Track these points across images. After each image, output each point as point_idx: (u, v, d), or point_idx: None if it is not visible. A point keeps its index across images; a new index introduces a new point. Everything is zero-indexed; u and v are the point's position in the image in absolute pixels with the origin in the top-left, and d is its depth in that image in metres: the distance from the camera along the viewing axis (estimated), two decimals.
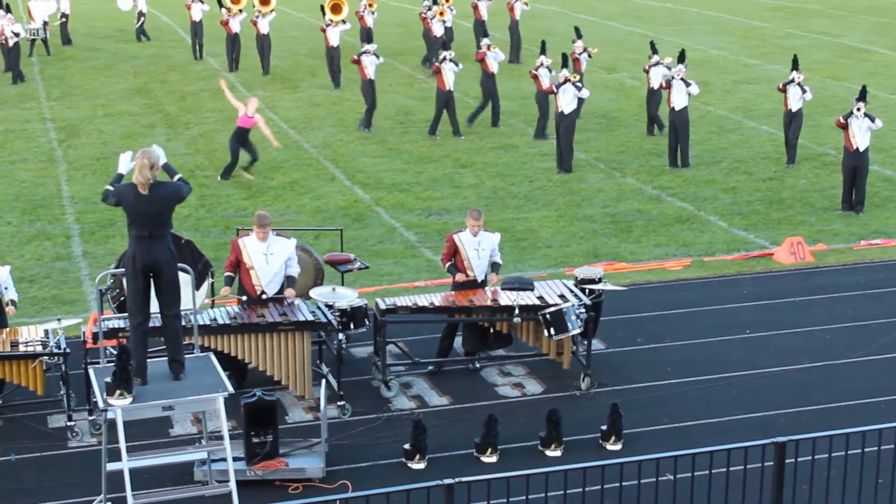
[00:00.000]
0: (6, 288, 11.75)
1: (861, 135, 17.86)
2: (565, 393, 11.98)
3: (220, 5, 31.35)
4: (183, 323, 9.72)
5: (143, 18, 36.43)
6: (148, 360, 9.42)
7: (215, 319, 11.41)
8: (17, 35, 29.93)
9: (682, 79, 20.61)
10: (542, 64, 22.53)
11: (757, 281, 15.49)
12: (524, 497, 7.99)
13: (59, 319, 11.52)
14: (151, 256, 9.18)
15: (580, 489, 8.17)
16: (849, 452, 8.45)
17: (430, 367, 12.54)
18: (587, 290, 12.42)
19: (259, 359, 11.41)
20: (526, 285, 12.16)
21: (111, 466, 9.17)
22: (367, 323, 12.13)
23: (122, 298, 11.68)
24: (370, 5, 31.75)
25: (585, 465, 8.12)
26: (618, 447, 10.71)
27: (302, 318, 11.47)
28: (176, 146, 22.43)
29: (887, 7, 43.13)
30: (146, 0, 37.08)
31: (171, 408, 9.26)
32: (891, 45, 34.89)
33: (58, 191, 19.81)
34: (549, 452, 10.62)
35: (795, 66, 20.81)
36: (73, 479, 10.25)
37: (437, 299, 12.21)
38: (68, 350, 11.03)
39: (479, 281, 12.51)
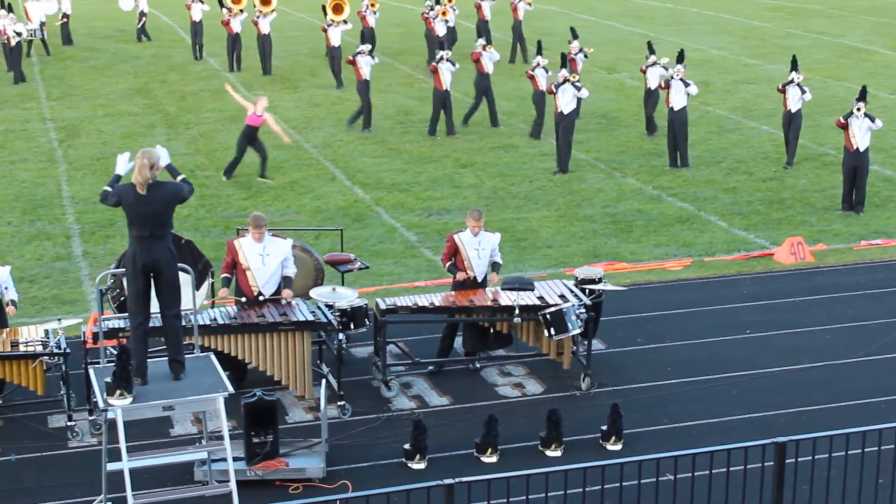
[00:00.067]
0: (6, 288, 11.75)
1: (861, 135, 17.86)
2: (565, 393, 11.98)
3: (221, 5, 31.36)
4: (183, 323, 9.73)
5: (144, 18, 36.43)
6: (148, 360, 9.42)
7: (215, 319, 11.41)
8: (18, 35, 29.95)
9: (681, 79, 20.61)
10: (538, 64, 22.56)
11: (757, 281, 15.49)
12: (524, 497, 7.99)
13: (59, 319, 11.52)
14: (151, 256, 9.18)
15: (580, 489, 8.17)
16: (849, 452, 8.45)
17: (431, 367, 12.54)
18: (587, 291, 12.42)
19: (259, 359, 11.41)
20: (526, 285, 12.16)
21: (111, 466, 9.17)
22: (368, 323, 12.13)
23: (122, 298, 11.68)
24: (372, 5, 31.75)
25: (586, 466, 8.12)
26: (618, 447, 10.71)
27: (302, 318, 11.47)
28: (176, 146, 22.43)
29: (887, 7, 43.14)
30: (147, 0, 37.08)
31: (171, 408, 9.27)
32: (891, 45, 34.89)
33: (58, 191, 19.81)
34: (549, 452, 10.62)
35: (795, 66, 20.82)
36: (73, 479, 10.25)
37: (437, 299, 12.21)
38: (68, 350, 11.03)
39: (480, 281, 12.51)
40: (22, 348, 11.02)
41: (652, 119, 23.14)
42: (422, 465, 10.40)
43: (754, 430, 10.94)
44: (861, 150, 17.93)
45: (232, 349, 11.34)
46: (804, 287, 15.17)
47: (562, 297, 12.15)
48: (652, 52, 22.93)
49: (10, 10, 31.24)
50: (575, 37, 24.82)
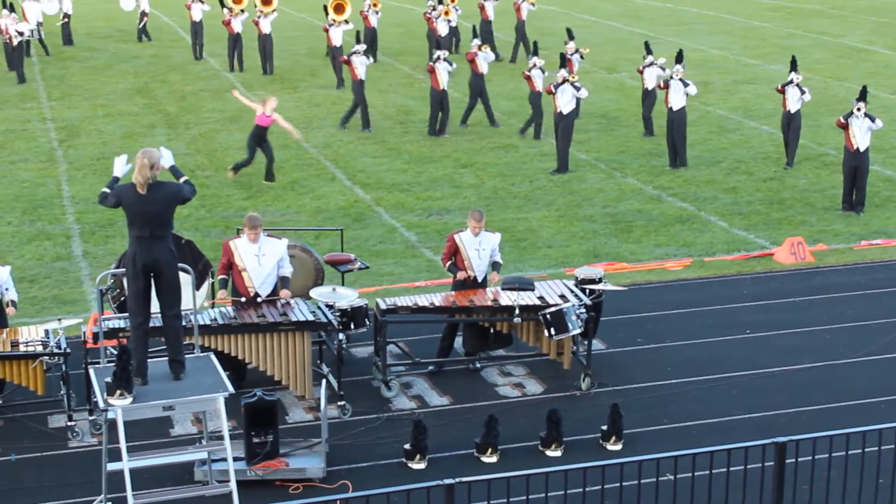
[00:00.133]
0: (7, 289, 11.74)
1: (861, 135, 17.87)
2: (566, 393, 11.98)
3: (222, 5, 31.36)
4: (183, 323, 9.73)
5: (145, 18, 36.43)
6: (148, 360, 9.42)
7: (215, 320, 11.41)
8: (21, 34, 29.96)
9: (680, 79, 20.61)
10: (534, 65, 22.57)
11: (757, 281, 15.49)
12: (524, 497, 7.99)
13: (59, 319, 11.52)
14: (152, 257, 9.18)
15: (580, 489, 8.17)
16: (849, 452, 8.45)
17: (431, 368, 12.54)
18: (587, 291, 12.42)
19: (259, 359, 11.41)
20: (526, 285, 12.16)
21: (111, 466, 9.17)
22: (368, 323, 12.13)
23: (122, 298, 11.68)
24: (374, 5, 31.73)
25: (586, 466, 8.12)
26: (618, 447, 10.71)
27: (302, 318, 11.47)
28: (176, 146, 22.41)
29: (887, 7, 43.14)
30: (148, 0, 37.10)
31: (171, 408, 9.27)
32: (891, 45, 34.89)
33: (58, 191, 19.81)
34: (549, 452, 10.62)
35: (794, 67, 20.82)
36: (73, 479, 10.25)
37: (437, 299, 12.21)
38: (69, 350, 11.03)
39: (480, 281, 12.51)
40: (22, 348, 11.02)
41: (649, 120, 23.14)
42: (422, 465, 10.40)
43: (754, 430, 10.94)
44: (861, 150, 17.93)
45: (232, 349, 11.34)
46: (804, 287, 15.18)
47: (562, 297, 12.15)
48: (649, 52, 22.94)
49: (11, 9, 31.24)
50: (571, 37, 24.84)
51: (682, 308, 14.47)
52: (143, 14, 36.41)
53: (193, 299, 10.08)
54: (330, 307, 11.68)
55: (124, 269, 9.47)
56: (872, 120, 17.84)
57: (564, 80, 20.49)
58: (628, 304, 14.24)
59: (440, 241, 15.54)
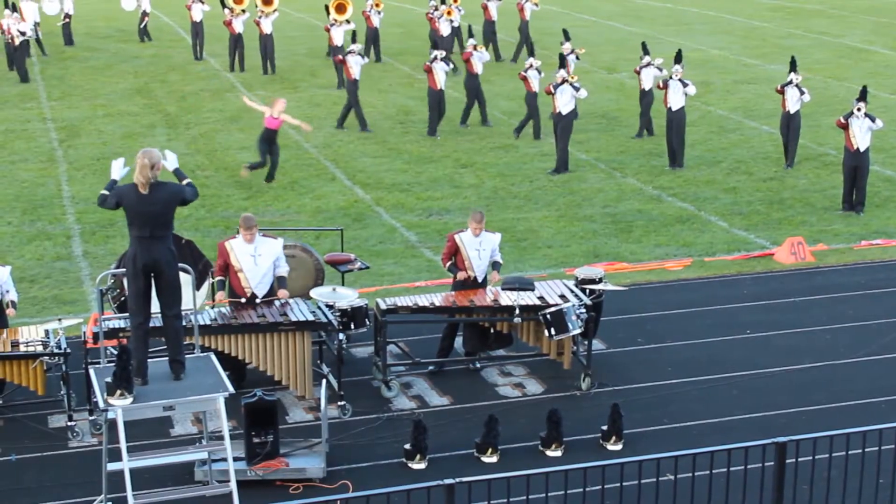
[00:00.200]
0: (7, 291, 11.73)
1: (861, 135, 17.87)
2: (566, 393, 11.98)
3: (223, 5, 31.36)
4: (183, 323, 9.73)
5: (146, 18, 36.45)
6: (148, 360, 9.42)
7: (215, 320, 11.41)
8: (23, 34, 29.96)
9: (679, 79, 20.61)
10: (531, 65, 22.58)
11: (757, 281, 15.49)
12: (525, 497, 7.99)
13: (59, 319, 11.52)
14: (152, 257, 9.18)
15: (581, 489, 8.18)
16: (849, 453, 8.46)
17: (431, 368, 12.54)
18: (588, 291, 12.42)
19: (259, 359, 11.41)
20: (526, 285, 12.16)
21: (112, 466, 9.17)
22: (368, 323, 12.13)
23: (122, 298, 11.68)
24: (377, 5, 31.73)
25: (586, 466, 8.12)
26: (618, 447, 10.71)
27: (302, 318, 11.47)
28: (176, 146, 22.42)
29: (887, 7, 43.14)
30: (150, 0, 37.12)
31: (171, 408, 9.27)
32: (891, 45, 34.89)
33: (58, 191, 19.81)
34: (549, 452, 10.62)
35: (793, 67, 20.83)
36: (73, 479, 10.25)
37: (437, 299, 12.21)
38: (69, 350, 11.03)
39: (480, 281, 12.51)
40: (22, 348, 11.02)
41: (648, 120, 23.13)
42: (422, 465, 10.40)
43: (755, 430, 10.94)
44: (861, 150, 17.93)
45: (232, 349, 11.33)
46: (804, 287, 15.18)
47: (562, 297, 12.15)
48: (646, 52, 22.95)
49: (13, 9, 31.24)
50: (567, 38, 24.86)
51: (683, 308, 14.47)
52: (145, 14, 36.42)
53: (193, 299, 10.08)
54: (330, 307, 11.68)
55: (124, 269, 9.48)
56: (873, 120, 17.84)
57: (564, 81, 20.49)
58: (628, 304, 14.24)
59: (440, 241, 15.54)
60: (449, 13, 30.86)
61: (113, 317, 11.26)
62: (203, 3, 32.98)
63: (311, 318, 11.50)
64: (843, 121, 17.96)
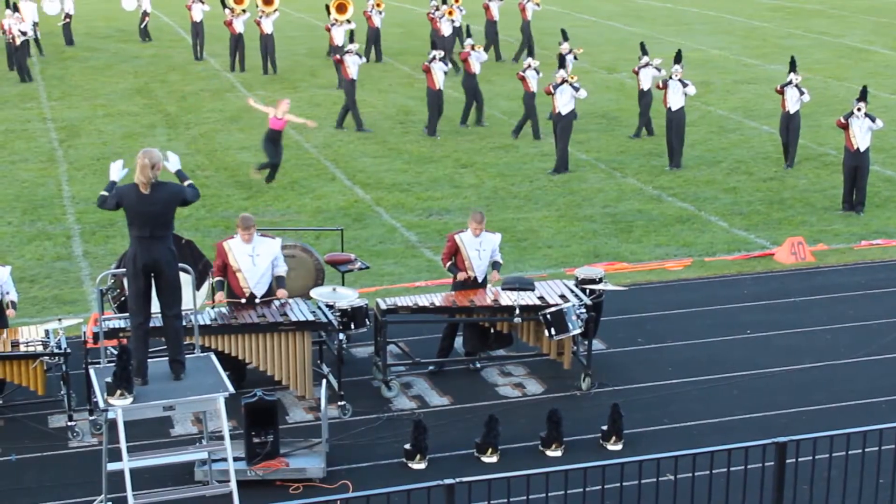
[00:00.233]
0: (7, 293, 11.71)
1: (862, 135, 17.87)
2: (566, 393, 11.98)
3: (224, 6, 31.36)
4: (183, 323, 9.73)
5: (147, 18, 36.46)
6: (148, 360, 9.42)
7: (215, 320, 11.41)
8: (24, 34, 29.96)
9: (679, 79, 20.62)
10: (529, 65, 22.58)
11: (758, 281, 15.49)
12: (525, 497, 7.99)
13: (59, 319, 11.52)
14: (152, 257, 9.18)
15: (581, 489, 8.18)
16: (849, 453, 8.46)
17: (431, 368, 12.54)
18: (588, 291, 12.42)
19: (259, 359, 11.41)
20: (526, 285, 12.16)
21: (112, 466, 9.17)
22: (368, 323, 12.13)
23: (122, 298, 11.68)
24: (378, 5, 31.74)
25: (586, 466, 8.12)
26: (618, 447, 10.70)
27: (302, 318, 11.47)
28: (176, 146, 22.42)
29: (888, 7, 43.14)
30: (150, 0, 37.13)
31: (171, 408, 9.27)
32: (891, 45, 34.89)
33: (58, 191, 19.81)
34: (549, 452, 10.62)
35: (793, 67, 20.84)
36: (73, 479, 10.25)
37: (437, 299, 12.21)
38: (69, 350, 11.03)
39: (480, 281, 12.51)
40: (22, 348, 11.02)
41: (648, 120, 23.12)
42: (422, 466, 10.40)
43: (755, 430, 10.94)
44: (861, 150, 17.93)
45: (232, 349, 11.33)
46: (804, 287, 15.17)
47: (562, 297, 12.15)
48: (644, 52, 22.95)
49: (15, 9, 31.24)
50: (565, 38, 24.87)
51: (683, 308, 14.47)
52: (145, 14, 36.43)
53: (194, 299, 10.08)
54: (330, 307, 11.67)
55: (124, 269, 9.48)
56: (873, 120, 17.84)
57: (563, 81, 20.49)
58: (628, 304, 14.23)
59: (440, 241, 15.54)
60: (450, 13, 30.85)
61: (113, 317, 11.26)
62: (203, 3, 32.98)
63: (311, 318, 11.50)
64: (843, 121, 17.96)
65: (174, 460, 9.83)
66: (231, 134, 23.91)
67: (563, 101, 20.48)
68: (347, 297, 11.78)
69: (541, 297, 12.09)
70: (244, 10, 31.01)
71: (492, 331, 12.38)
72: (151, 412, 9.25)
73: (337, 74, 28.69)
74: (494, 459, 10.50)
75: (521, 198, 19.21)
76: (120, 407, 8.88)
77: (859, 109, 17.77)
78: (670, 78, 20.76)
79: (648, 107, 22.96)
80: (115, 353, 9.12)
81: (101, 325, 10.26)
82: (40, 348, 10.99)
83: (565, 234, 17.36)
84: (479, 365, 12.64)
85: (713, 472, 8.35)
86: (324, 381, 10.73)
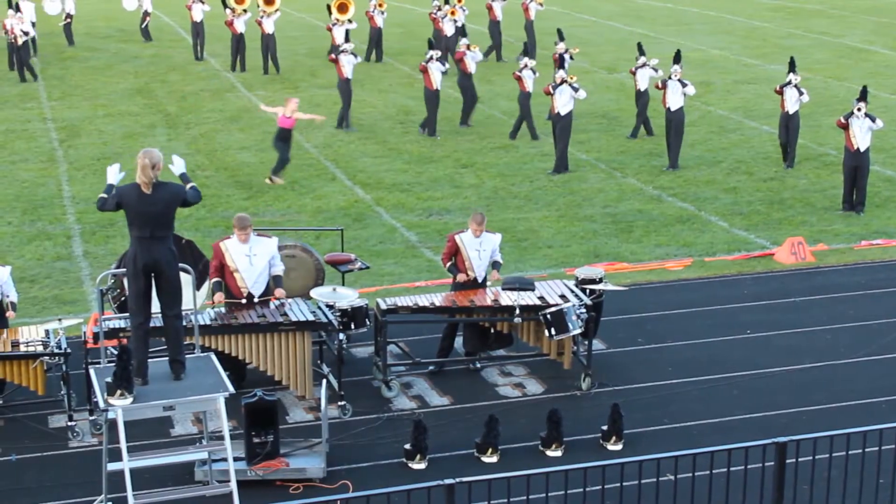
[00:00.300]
0: (6, 294, 11.70)
1: (862, 135, 17.87)
2: (566, 393, 11.98)
3: (224, 6, 31.36)
4: (184, 323, 9.73)
5: (148, 18, 36.46)
6: (149, 360, 9.42)
7: (216, 320, 11.41)
8: (26, 34, 29.96)
9: (678, 79, 20.62)
10: (525, 65, 22.58)
11: (758, 281, 15.49)
12: (525, 497, 7.99)
13: (59, 319, 11.52)
14: (152, 257, 9.19)
15: (581, 489, 8.18)
16: (850, 453, 8.46)
17: (431, 368, 12.54)
18: (588, 291, 12.42)
19: (260, 359, 11.40)
20: (526, 285, 12.16)
21: (112, 466, 9.17)
22: (368, 323, 12.13)
23: (122, 298, 11.69)
24: (380, 5, 31.74)
25: (586, 466, 8.12)
26: (618, 447, 10.71)
27: (302, 318, 11.47)
28: (177, 146, 22.43)
29: (888, 7, 43.14)
30: (151, 0, 37.13)
31: (171, 408, 9.27)
32: (891, 45, 34.89)
33: (58, 191, 19.81)
34: (549, 452, 10.62)
35: (792, 68, 20.85)
36: (73, 479, 10.25)
37: (437, 299, 12.21)
38: (69, 350, 11.03)
39: (480, 281, 12.51)
40: (22, 348, 11.02)
41: (646, 120, 23.12)
42: (422, 466, 10.40)
43: (755, 430, 10.94)
44: (862, 150, 17.93)
45: (232, 349, 11.33)
46: (805, 287, 15.17)
47: (562, 297, 12.15)
48: (642, 53, 22.94)
49: (17, 9, 31.24)
50: (561, 38, 24.87)
51: (683, 308, 14.47)
52: (146, 14, 36.44)
53: (194, 299, 10.08)
54: (330, 307, 11.67)
55: (125, 269, 9.48)
56: (873, 120, 17.84)
57: (563, 81, 20.49)
58: (629, 304, 14.23)
59: (440, 241, 15.53)
60: (453, 13, 30.85)
61: (113, 317, 11.26)
62: (203, 3, 32.99)
63: (311, 318, 11.50)
64: (843, 121, 17.97)
65: (174, 460, 9.83)
66: (231, 134, 23.91)
67: (563, 102, 20.48)
68: (347, 297, 11.78)
69: (541, 297, 12.10)
70: (245, 10, 31.01)
71: (492, 331, 12.38)
72: (151, 412, 9.25)
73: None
74: (494, 459, 10.50)
75: (521, 198, 19.21)
76: (120, 407, 8.88)
77: (859, 109, 17.77)
78: (669, 78, 20.77)
79: (645, 107, 22.96)
80: (116, 353, 9.12)
81: (101, 325, 10.26)
82: (40, 348, 10.99)
83: (565, 234, 17.36)
84: (479, 365, 12.64)
85: (713, 472, 8.35)
86: (324, 381, 10.73)
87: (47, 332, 11.24)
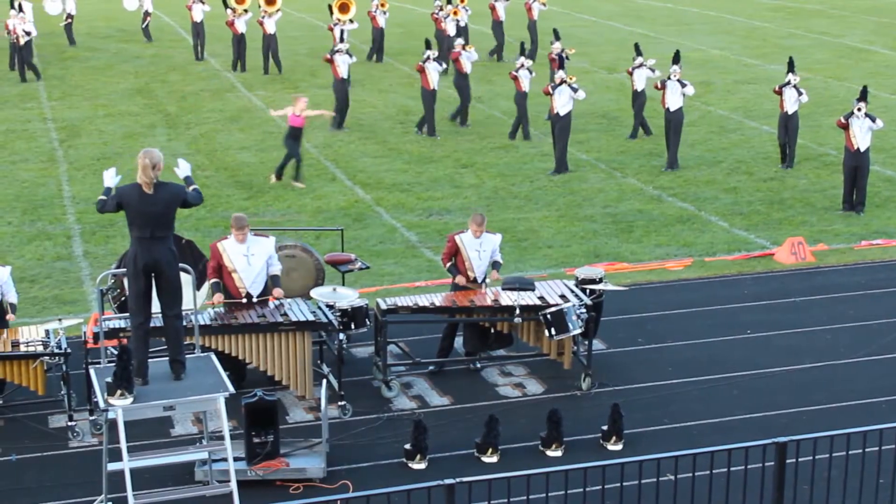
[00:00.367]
0: (5, 294, 11.69)
1: (862, 135, 17.87)
2: (566, 393, 11.98)
3: (225, 6, 31.36)
4: (184, 323, 9.73)
5: (148, 18, 36.47)
6: (149, 360, 9.42)
7: (216, 320, 11.41)
8: (28, 34, 29.95)
9: (677, 80, 20.62)
10: (522, 65, 22.58)
11: (758, 281, 15.49)
12: (525, 497, 7.99)
13: (59, 319, 11.52)
14: (153, 257, 9.19)
15: (581, 489, 8.18)
16: (850, 453, 8.46)
17: (431, 368, 12.54)
18: (588, 291, 12.42)
19: (260, 359, 11.40)
20: (527, 285, 12.16)
21: (112, 466, 9.17)
22: (368, 323, 12.13)
23: (122, 298, 11.69)
24: (382, 5, 31.74)
25: (586, 466, 8.12)
26: (619, 447, 10.71)
27: (302, 318, 11.47)
28: (177, 146, 22.44)
29: (888, 7, 43.14)
30: (152, 0, 37.12)
31: (171, 408, 9.27)
32: (891, 45, 34.89)
33: (59, 191, 19.81)
34: (549, 452, 10.62)
35: (791, 68, 20.85)
36: (73, 479, 10.25)
37: (437, 299, 12.21)
38: (69, 350, 11.04)
39: (480, 282, 12.51)
40: (22, 348, 11.02)
41: (642, 121, 23.11)
42: (422, 465, 10.40)
43: (755, 430, 10.94)
44: (862, 150, 17.93)
45: (232, 349, 11.33)
46: (805, 287, 15.17)
47: (562, 297, 12.15)
48: (639, 53, 22.95)
49: (20, 9, 31.23)
50: (557, 38, 24.88)
51: (683, 308, 14.47)
52: (147, 14, 36.45)
53: (194, 299, 10.08)
54: (330, 307, 11.67)
55: (125, 270, 9.48)
56: (873, 120, 17.84)
57: (562, 82, 20.49)
58: (629, 304, 14.23)
59: (440, 242, 15.53)
60: (455, 13, 30.85)
61: (113, 317, 11.27)
62: (204, 3, 32.99)
63: (311, 318, 11.50)
64: (843, 121, 17.97)
65: (174, 460, 9.83)
66: (231, 134, 23.91)
67: (562, 102, 20.47)
68: (348, 297, 11.78)
69: (541, 297, 12.10)
70: (246, 10, 31.01)
71: (492, 331, 12.38)
72: (152, 412, 9.25)
73: None
74: (495, 459, 10.50)
75: (521, 198, 19.21)
76: (120, 407, 8.88)
77: (859, 109, 17.77)
78: (668, 78, 20.76)
79: (642, 107, 22.96)
80: (116, 353, 9.12)
81: (101, 325, 10.26)
82: (40, 348, 10.99)
83: (565, 234, 17.36)
84: (479, 365, 12.64)
85: (713, 472, 8.35)
86: (324, 381, 10.73)
87: (47, 332, 11.24)
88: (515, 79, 22.62)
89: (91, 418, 11.06)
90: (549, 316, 11.83)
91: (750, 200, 19.07)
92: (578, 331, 11.92)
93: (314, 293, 11.89)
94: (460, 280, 12.38)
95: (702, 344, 13.31)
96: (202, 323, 11.16)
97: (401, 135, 23.75)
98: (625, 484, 8.16)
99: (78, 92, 28.46)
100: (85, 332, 11.42)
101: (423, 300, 12.18)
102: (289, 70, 31.08)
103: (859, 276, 15.60)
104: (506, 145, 22.72)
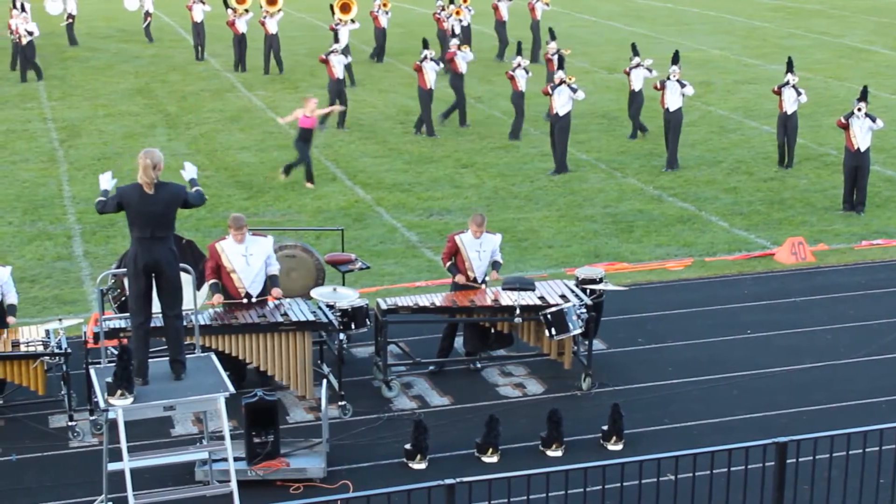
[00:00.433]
0: (5, 295, 11.69)
1: (862, 135, 17.87)
2: (566, 393, 11.98)
3: (226, 6, 31.36)
4: (184, 323, 9.73)
5: (149, 18, 36.48)
6: (149, 360, 9.43)
7: (216, 320, 11.40)
8: (30, 34, 29.96)
9: (677, 80, 20.62)
10: (518, 65, 22.58)
11: (758, 281, 15.49)
12: (525, 497, 8.00)
13: (60, 319, 11.52)
14: (153, 257, 9.19)
15: (581, 489, 8.18)
16: (850, 453, 8.46)
17: (431, 368, 12.54)
18: (588, 291, 12.42)
19: (260, 359, 11.40)
20: (527, 285, 12.16)
21: (112, 466, 9.18)
22: (368, 323, 12.13)
23: (123, 298, 11.69)
24: (384, 5, 31.74)
25: (586, 466, 8.12)
26: (619, 447, 10.71)
27: (303, 318, 11.47)
28: (177, 146, 22.45)
29: (888, 7, 43.14)
30: (153, 0, 37.12)
31: (172, 408, 9.28)
32: (891, 45, 34.89)
33: (59, 191, 19.81)
34: (550, 452, 10.62)
35: (790, 68, 20.85)
36: (74, 479, 10.26)
37: (438, 299, 12.21)
38: (69, 350, 11.04)
39: (480, 281, 12.51)
40: (23, 348, 11.02)
41: (638, 121, 23.12)
42: (423, 466, 10.40)
43: (755, 430, 10.94)
44: (862, 150, 17.94)
45: (232, 349, 11.33)
46: (805, 287, 15.17)
47: (563, 297, 12.15)
48: (636, 53, 22.95)
49: (22, 9, 31.23)
50: (553, 38, 24.89)
51: (683, 308, 14.47)
52: (147, 14, 36.46)
53: (194, 299, 10.08)
54: (331, 307, 11.67)
55: (125, 270, 9.48)
56: (873, 120, 17.85)
57: (562, 82, 20.49)
58: (629, 304, 14.23)
59: (441, 242, 15.53)
60: (458, 13, 30.85)
61: (113, 317, 11.27)
62: (204, 3, 32.99)
63: (311, 318, 11.50)
64: (843, 121, 17.97)
65: (174, 460, 9.83)
66: (231, 134, 23.91)
67: (561, 102, 20.47)
68: (348, 297, 11.78)
69: (541, 297, 12.10)
70: (247, 10, 31.01)
71: (492, 331, 12.38)
72: (152, 412, 9.25)
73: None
74: (495, 459, 10.50)
75: (521, 198, 19.21)
76: (120, 407, 8.88)
77: (860, 109, 17.77)
78: (668, 79, 20.76)
79: (640, 107, 22.96)
80: (116, 353, 9.12)
81: (101, 325, 10.27)
82: (41, 348, 11.00)
83: (566, 234, 17.36)
84: (479, 365, 12.64)
85: (713, 472, 8.35)
86: (324, 381, 10.74)
87: (47, 332, 11.24)
88: (512, 78, 22.63)
89: (91, 418, 11.06)
90: (549, 316, 11.83)
91: (750, 200, 19.07)
92: (579, 331, 11.92)
93: (314, 293, 11.89)
94: (460, 279, 12.39)
95: (702, 344, 13.31)
96: (202, 323, 11.16)
97: (401, 135, 23.75)
98: (625, 484, 8.16)
99: (78, 92, 28.47)
100: (85, 332, 11.42)
101: (424, 300, 12.18)
102: (289, 70, 31.08)
103: (859, 277, 15.60)
104: (506, 145, 22.72)
